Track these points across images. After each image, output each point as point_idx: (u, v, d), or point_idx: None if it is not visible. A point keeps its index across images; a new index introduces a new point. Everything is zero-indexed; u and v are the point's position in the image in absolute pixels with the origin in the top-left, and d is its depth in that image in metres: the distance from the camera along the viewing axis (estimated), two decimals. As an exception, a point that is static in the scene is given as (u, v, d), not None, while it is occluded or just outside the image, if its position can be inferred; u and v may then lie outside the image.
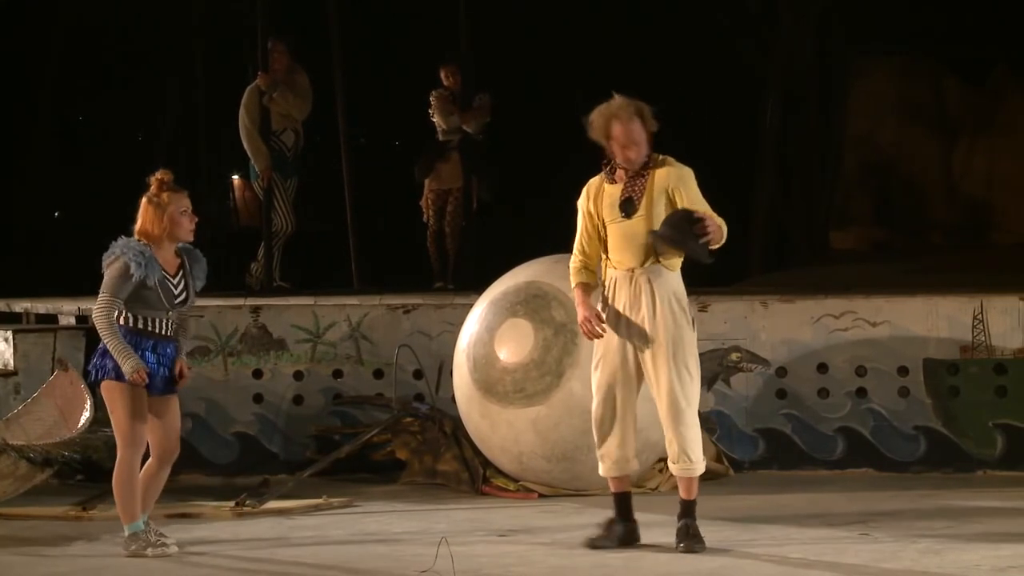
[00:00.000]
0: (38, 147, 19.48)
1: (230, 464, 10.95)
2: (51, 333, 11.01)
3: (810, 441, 10.73)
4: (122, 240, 7.94)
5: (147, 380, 7.81)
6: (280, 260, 12.44)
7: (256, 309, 11.16)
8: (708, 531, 8.23)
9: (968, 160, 19.84)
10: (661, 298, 7.74)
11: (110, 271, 7.87)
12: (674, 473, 7.88)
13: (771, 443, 10.72)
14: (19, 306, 11.90)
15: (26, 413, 9.59)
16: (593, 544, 7.85)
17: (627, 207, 7.78)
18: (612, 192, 7.85)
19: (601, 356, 7.86)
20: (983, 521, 8.56)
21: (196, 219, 8.04)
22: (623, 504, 7.94)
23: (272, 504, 9.45)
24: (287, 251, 12.57)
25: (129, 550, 7.93)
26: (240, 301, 11.31)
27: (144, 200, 7.98)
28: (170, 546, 7.96)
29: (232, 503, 9.41)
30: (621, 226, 7.79)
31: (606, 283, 7.88)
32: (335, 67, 13.59)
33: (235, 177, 12.60)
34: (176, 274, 7.99)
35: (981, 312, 10.57)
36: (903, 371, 10.65)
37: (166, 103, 19.95)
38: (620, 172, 7.84)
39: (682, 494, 7.85)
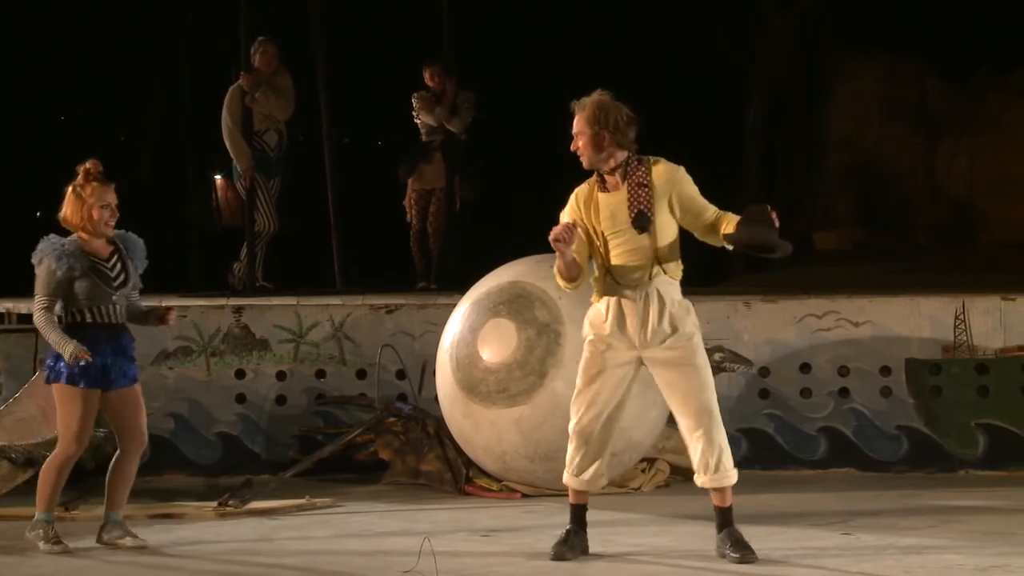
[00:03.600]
0: (19, 147, 19.43)
1: (213, 464, 10.95)
2: (33, 333, 10.95)
3: (793, 441, 10.75)
4: (44, 240, 8.01)
5: (90, 359, 7.85)
6: (263, 260, 12.44)
7: (239, 309, 11.16)
8: (690, 531, 8.25)
9: (951, 160, 19.92)
10: (671, 306, 7.47)
11: (38, 272, 7.99)
12: (706, 485, 7.51)
13: (754, 443, 10.74)
14: (1, 306, 11.87)
15: (8, 413, 9.58)
16: (560, 556, 7.59)
17: (641, 222, 7.42)
18: (609, 202, 7.50)
19: (598, 371, 7.53)
20: (965, 520, 8.57)
21: (117, 215, 8.06)
22: (582, 514, 7.73)
23: (255, 504, 9.44)
24: (270, 251, 12.56)
25: (28, 535, 8.08)
26: (223, 301, 11.31)
27: (69, 189, 8.05)
28: (62, 543, 8.04)
29: (215, 503, 9.40)
30: (629, 240, 7.45)
31: (606, 301, 7.52)
32: (318, 67, 13.58)
33: (217, 177, 12.56)
34: (109, 258, 8.03)
35: (963, 312, 10.60)
36: (885, 371, 10.67)
37: (150, 103, 19.91)
38: (612, 180, 7.51)
39: (717, 503, 7.53)
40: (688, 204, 7.51)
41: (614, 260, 7.51)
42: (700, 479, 7.54)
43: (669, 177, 7.50)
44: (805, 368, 10.74)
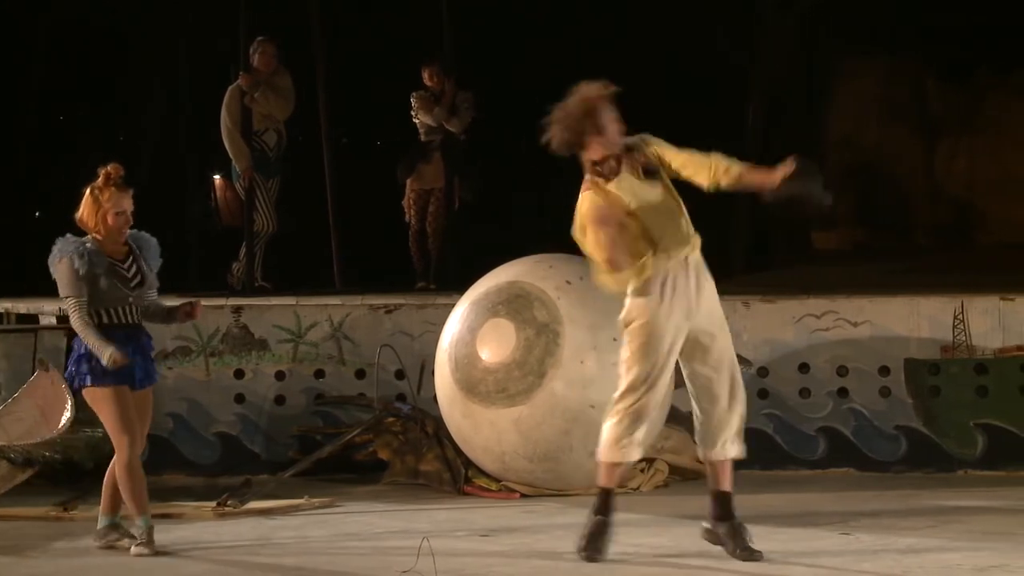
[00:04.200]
0: (19, 147, 19.43)
1: (212, 464, 10.95)
2: (32, 333, 10.99)
3: (792, 441, 10.74)
4: (61, 240, 7.99)
5: (127, 361, 7.83)
6: (262, 260, 12.44)
7: (238, 309, 11.16)
8: (689, 531, 8.24)
9: (950, 160, 19.91)
10: (708, 276, 7.56)
11: (58, 273, 7.95)
12: (727, 457, 7.49)
13: (753, 443, 10.67)
14: (0, 306, 11.88)
15: (7, 413, 9.57)
16: (593, 556, 7.46)
17: (651, 169, 7.45)
18: (620, 185, 7.45)
19: (654, 350, 7.36)
20: (964, 521, 8.57)
21: (131, 222, 8.04)
22: (612, 500, 7.59)
23: (254, 504, 9.44)
24: (269, 251, 12.56)
25: (126, 544, 7.98)
26: (222, 301, 11.31)
27: (87, 190, 8.02)
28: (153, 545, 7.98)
29: (214, 503, 9.40)
30: (658, 205, 7.41)
31: (655, 278, 7.40)
32: (318, 67, 13.58)
33: (216, 177, 12.59)
34: (125, 259, 8.02)
35: (962, 312, 10.60)
36: (884, 371, 10.67)
37: (150, 103, 19.91)
38: (609, 166, 7.48)
39: (726, 485, 7.52)
40: (674, 155, 7.51)
41: (655, 230, 7.42)
42: (734, 449, 7.49)
43: (642, 140, 7.54)
44: (804, 368, 10.74)
